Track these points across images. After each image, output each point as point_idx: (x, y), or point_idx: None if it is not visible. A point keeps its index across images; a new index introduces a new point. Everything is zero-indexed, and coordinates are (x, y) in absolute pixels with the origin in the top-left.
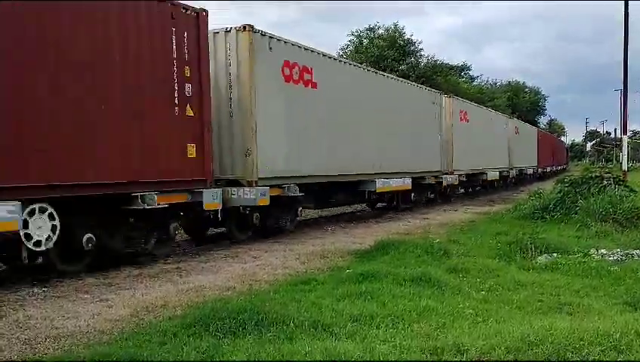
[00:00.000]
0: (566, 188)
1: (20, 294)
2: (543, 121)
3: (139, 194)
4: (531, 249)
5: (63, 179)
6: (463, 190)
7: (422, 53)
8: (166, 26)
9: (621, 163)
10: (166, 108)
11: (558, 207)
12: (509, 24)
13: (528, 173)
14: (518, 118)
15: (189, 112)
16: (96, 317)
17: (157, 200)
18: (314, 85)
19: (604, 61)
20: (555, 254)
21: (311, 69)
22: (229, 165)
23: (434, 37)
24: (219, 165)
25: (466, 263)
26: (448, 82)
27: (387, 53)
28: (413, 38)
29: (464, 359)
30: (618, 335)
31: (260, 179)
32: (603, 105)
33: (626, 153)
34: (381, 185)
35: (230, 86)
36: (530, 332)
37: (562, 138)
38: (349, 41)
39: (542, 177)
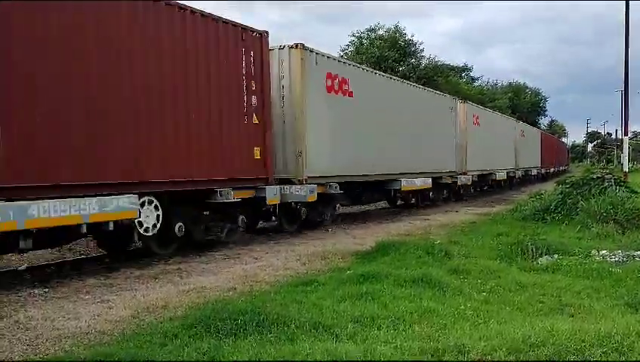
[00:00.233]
0: (567, 190)
1: (21, 295)
2: (543, 121)
3: (219, 190)
4: (532, 250)
5: (167, 176)
6: (473, 190)
7: (423, 54)
8: (238, 46)
9: (622, 164)
10: (238, 118)
11: (559, 208)
12: (510, 26)
13: (533, 173)
14: (517, 119)
15: (255, 120)
16: (96, 317)
17: (233, 195)
18: (350, 94)
19: (605, 62)
20: (556, 255)
21: (347, 80)
22: (281, 165)
23: (435, 38)
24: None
25: (467, 264)
26: (449, 83)
27: (388, 54)
28: (414, 39)
29: (465, 360)
30: (620, 337)
31: (308, 178)
32: (604, 107)
33: (626, 154)
34: (405, 184)
35: (283, 96)
36: (531, 333)
37: (563, 139)
38: (350, 41)
39: (545, 177)
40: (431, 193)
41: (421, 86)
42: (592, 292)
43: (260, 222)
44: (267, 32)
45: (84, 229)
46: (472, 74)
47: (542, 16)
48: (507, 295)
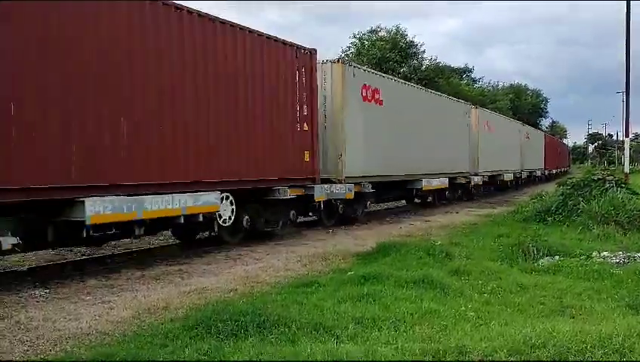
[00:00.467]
0: (568, 191)
1: (22, 296)
2: (544, 123)
3: (278, 187)
4: (533, 251)
5: (239, 176)
6: (482, 189)
7: (424, 55)
8: (293, 63)
9: (623, 165)
10: (292, 125)
11: (560, 210)
12: (510, 26)
13: (537, 174)
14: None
15: (305, 128)
16: (97, 318)
17: (288, 193)
18: (380, 103)
19: (605, 63)
20: (557, 257)
21: (379, 90)
22: (322, 167)
23: (435, 39)
24: None
25: (467, 265)
26: (450, 85)
27: (389, 56)
28: (415, 40)
29: (466, 361)
30: (621, 338)
31: (346, 178)
32: (605, 108)
33: (628, 155)
34: (426, 183)
35: (325, 105)
36: (532, 334)
37: (564, 140)
38: (351, 43)
39: (548, 178)
40: (447, 192)
41: (439, 93)
42: (593, 294)
43: (300, 217)
44: (315, 50)
45: (182, 220)
46: (473, 75)
47: (541, 17)
48: (508, 296)
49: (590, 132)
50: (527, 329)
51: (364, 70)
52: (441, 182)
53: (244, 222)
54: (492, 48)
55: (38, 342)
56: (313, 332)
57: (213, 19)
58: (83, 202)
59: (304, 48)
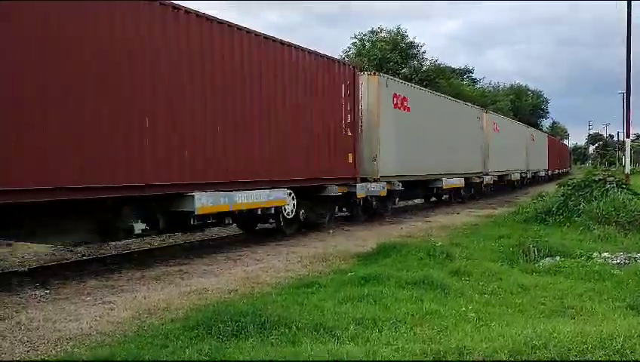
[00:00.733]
0: (568, 192)
1: (22, 296)
2: (545, 124)
3: (328, 185)
4: (534, 252)
5: (299, 175)
6: (492, 188)
7: (424, 56)
8: (341, 77)
9: (624, 166)
10: (340, 131)
11: (561, 210)
12: (510, 26)
13: (541, 175)
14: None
15: (349, 133)
16: (98, 319)
17: (337, 190)
18: (408, 109)
19: (606, 63)
20: (557, 257)
21: (407, 98)
22: (360, 167)
23: (436, 40)
24: None
25: (468, 266)
26: (451, 85)
27: (390, 56)
28: (415, 41)
29: (467, 361)
30: (621, 339)
31: (380, 177)
32: (606, 108)
33: (628, 156)
34: (446, 183)
35: (361, 112)
36: (533, 335)
37: (565, 141)
38: (352, 44)
39: (551, 178)
40: (462, 191)
41: (456, 99)
42: (594, 295)
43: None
44: (357, 65)
45: (259, 211)
46: (473, 76)
47: (541, 17)
48: (509, 297)
49: (591, 132)
50: (528, 329)
51: (395, 80)
52: (459, 182)
53: (300, 215)
54: (492, 49)
55: (38, 343)
56: (314, 332)
57: (289, 45)
58: (192, 196)
59: (349, 64)
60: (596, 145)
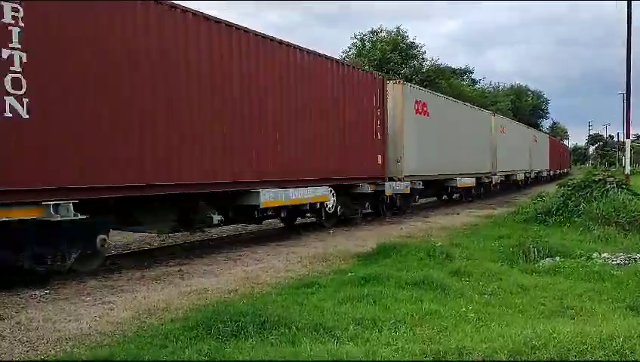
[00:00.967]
0: (569, 192)
1: (22, 296)
2: (545, 124)
3: (361, 184)
4: (534, 252)
5: (337, 175)
6: (499, 188)
7: (425, 56)
8: (371, 86)
9: (624, 166)
10: (371, 135)
11: (561, 211)
12: (510, 27)
13: (543, 175)
14: (519, 122)
15: (378, 137)
16: (97, 319)
17: (369, 188)
18: (427, 114)
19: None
20: (557, 258)
21: (427, 103)
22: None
23: (436, 40)
24: None
25: (468, 267)
26: (451, 86)
27: (390, 57)
28: (416, 41)
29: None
30: (621, 340)
31: (404, 176)
32: (606, 108)
33: (628, 156)
34: (460, 182)
35: (387, 117)
36: (533, 335)
37: (565, 141)
38: (352, 44)
39: (553, 178)
40: (473, 190)
41: (469, 104)
42: (594, 295)
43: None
44: (385, 75)
45: (307, 207)
46: (473, 76)
47: (541, 17)
48: (509, 297)
49: (591, 133)
50: (528, 330)
51: (416, 88)
52: (470, 181)
53: (338, 210)
54: (492, 49)
55: (38, 343)
56: (313, 332)
57: (334, 60)
58: (259, 193)
59: (378, 74)
60: (596, 145)
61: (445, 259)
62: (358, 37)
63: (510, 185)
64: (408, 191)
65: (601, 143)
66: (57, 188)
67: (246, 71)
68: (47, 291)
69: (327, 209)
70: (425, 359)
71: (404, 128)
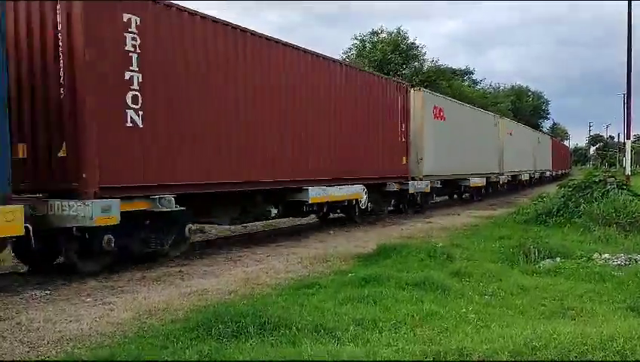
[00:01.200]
0: (569, 193)
1: (23, 297)
2: (546, 125)
3: (388, 182)
4: (534, 253)
5: (370, 174)
6: (506, 188)
7: (425, 57)
8: (397, 93)
9: (624, 167)
10: (396, 138)
11: (561, 211)
12: (511, 27)
13: (546, 175)
14: (518, 122)
15: (402, 139)
16: (98, 320)
17: (395, 187)
18: (444, 118)
19: (606, 64)
20: (558, 258)
21: (443, 108)
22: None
23: (436, 40)
24: None
25: (468, 267)
26: (451, 87)
27: (391, 57)
28: (416, 42)
29: None
30: (622, 340)
31: (424, 176)
32: (606, 109)
33: (629, 157)
34: (472, 182)
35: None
36: (533, 336)
37: (565, 142)
38: (352, 44)
39: (555, 178)
40: (483, 189)
41: (479, 109)
42: (594, 296)
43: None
44: (408, 83)
45: (345, 203)
46: (474, 77)
47: (541, 17)
48: (509, 298)
49: (591, 134)
50: (528, 331)
51: (433, 94)
52: (481, 181)
53: (369, 207)
54: (492, 49)
55: (38, 344)
56: (314, 333)
57: (368, 72)
58: (307, 190)
59: (402, 82)
60: (597, 146)
61: (446, 260)
62: (359, 38)
63: (516, 184)
64: (429, 190)
65: (601, 144)
66: (159, 184)
67: (306, 85)
68: (48, 291)
69: (360, 205)
70: (425, 360)
71: (424, 131)
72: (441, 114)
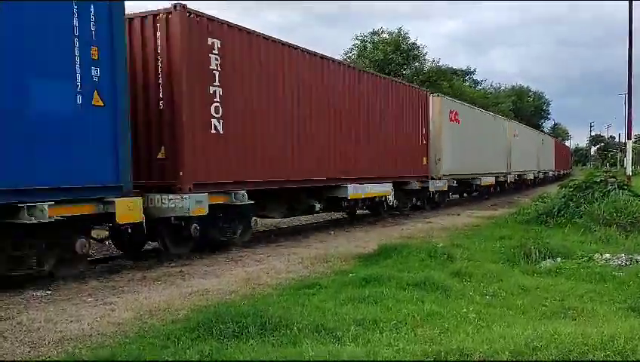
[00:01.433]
0: (570, 193)
1: (24, 297)
2: (546, 125)
3: (411, 181)
4: (535, 253)
5: (396, 173)
6: (513, 187)
7: (426, 57)
8: (418, 100)
9: (625, 167)
10: (418, 141)
11: (562, 212)
12: (511, 27)
13: (549, 175)
14: (519, 122)
15: (423, 142)
16: (99, 320)
17: (418, 185)
18: (458, 122)
19: (606, 64)
20: (558, 259)
21: (458, 112)
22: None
23: (436, 40)
24: None
25: (469, 267)
26: (452, 87)
27: (392, 58)
28: (417, 42)
29: None
30: (622, 340)
31: (442, 175)
32: (607, 109)
33: (630, 157)
34: (483, 181)
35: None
36: (534, 336)
37: (566, 142)
38: (353, 45)
39: (557, 178)
40: (492, 188)
41: (489, 112)
42: (595, 296)
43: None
44: (430, 91)
45: (377, 199)
46: (475, 77)
47: (541, 17)
48: (510, 298)
49: (592, 134)
50: (529, 331)
51: (449, 99)
52: (491, 180)
53: (394, 204)
54: (492, 49)
55: (39, 343)
56: (315, 333)
57: (394, 80)
58: (347, 187)
59: (423, 89)
60: (597, 146)
61: (446, 260)
62: (359, 38)
63: (521, 184)
64: (446, 188)
65: (602, 144)
66: (234, 181)
67: (352, 96)
68: (49, 291)
69: (388, 202)
70: (426, 360)
71: (442, 134)
72: (456, 117)
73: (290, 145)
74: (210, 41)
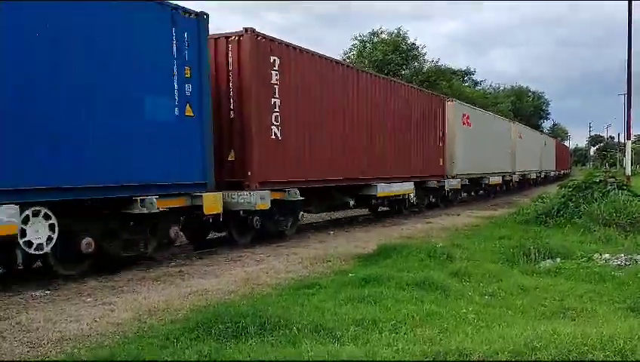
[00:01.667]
0: (569, 193)
1: (23, 297)
2: (546, 125)
3: (429, 180)
4: (535, 253)
5: (416, 173)
6: (517, 186)
7: (425, 57)
8: (437, 105)
9: (624, 167)
10: (436, 143)
11: (562, 212)
12: (511, 28)
13: (551, 175)
14: (519, 122)
15: (440, 144)
16: (98, 320)
17: (435, 184)
18: (470, 125)
19: (606, 64)
20: (558, 259)
21: (469, 115)
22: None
23: (436, 40)
24: None
25: (468, 267)
26: (452, 87)
27: (391, 58)
28: (416, 42)
29: None
30: (622, 340)
31: (456, 175)
32: (607, 109)
33: (629, 158)
34: (491, 180)
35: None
36: (533, 336)
37: (566, 142)
38: (353, 45)
39: (558, 178)
40: (498, 187)
41: (497, 115)
42: (595, 296)
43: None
44: (448, 96)
45: (400, 197)
46: (474, 77)
47: (541, 17)
48: (509, 298)
49: (591, 134)
50: (529, 331)
51: (462, 103)
52: (498, 179)
53: (415, 200)
54: (492, 49)
55: (38, 343)
56: (314, 333)
57: (418, 88)
58: (376, 186)
59: (441, 95)
60: (597, 146)
61: (446, 260)
62: (359, 38)
63: (525, 183)
64: (459, 187)
65: (601, 144)
66: (289, 180)
67: (386, 105)
68: (48, 291)
69: (409, 199)
70: (425, 360)
71: (456, 136)
72: (467, 120)
73: (332, 149)
74: (271, 58)
